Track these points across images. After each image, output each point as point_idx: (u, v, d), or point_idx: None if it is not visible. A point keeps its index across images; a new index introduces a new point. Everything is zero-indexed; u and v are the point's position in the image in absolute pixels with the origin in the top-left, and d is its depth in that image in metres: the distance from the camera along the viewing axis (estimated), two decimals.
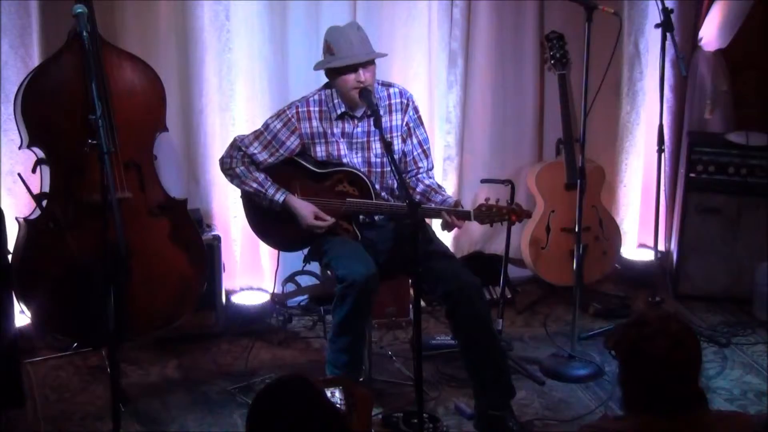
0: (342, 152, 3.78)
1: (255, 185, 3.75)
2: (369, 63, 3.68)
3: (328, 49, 3.69)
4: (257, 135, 3.79)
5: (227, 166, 3.80)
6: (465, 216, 3.61)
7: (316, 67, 3.77)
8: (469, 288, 3.59)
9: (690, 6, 4.91)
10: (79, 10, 3.28)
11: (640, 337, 2.32)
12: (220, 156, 3.86)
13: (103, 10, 3.94)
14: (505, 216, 3.62)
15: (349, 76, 3.65)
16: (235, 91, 4.43)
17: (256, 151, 3.76)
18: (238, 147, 3.78)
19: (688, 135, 4.89)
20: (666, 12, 4.20)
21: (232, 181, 3.83)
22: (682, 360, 2.31)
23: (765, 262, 4.62)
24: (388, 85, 3.85)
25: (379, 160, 3.81)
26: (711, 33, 4.86)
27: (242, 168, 3.77)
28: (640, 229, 5.13)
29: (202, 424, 3.74)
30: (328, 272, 3.92)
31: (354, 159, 3.79)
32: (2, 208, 3.69)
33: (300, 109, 3.77)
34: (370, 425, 3.38)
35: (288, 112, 3.79)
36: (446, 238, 4.54)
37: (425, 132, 3.91)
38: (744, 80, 5.04)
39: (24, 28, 4.06)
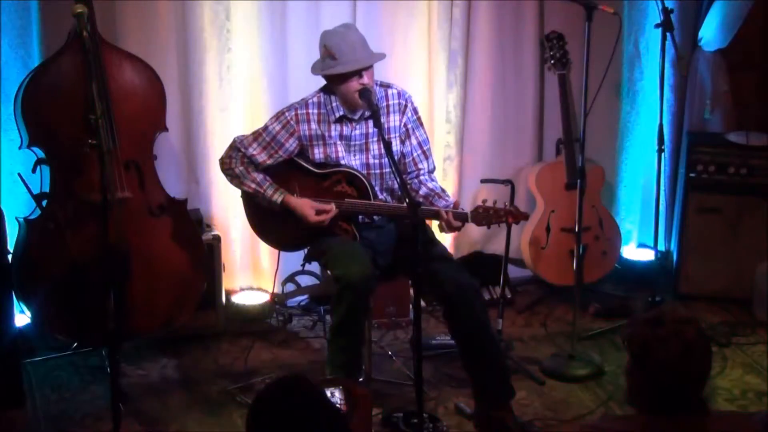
0: (340, 154, 3.76)
1: (254, 185, 3.75)
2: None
3: (329, 54, 3.64)
4: (256, 136, 3.78)
5: (226, 166, 3.80)
6: (462, 217, 3.61)
7: (316, 72, 3.73)
8: (467, 290, 3.58)
9: (690, 6, 4.91)
10: (79, 10, 3.28)
11: (653, 337, 2.28)
12: (220, 156, 3.85)
13: (103, 10, 3.94)
14: (503, 218, 3.61)
15: (352, 81, 3.63)
16: (235, 91, 4.44)
17: (255, 152, 3.75)
18: (237, 148, 3.78)
19: (688, 135, 4.89)
20: (666, 12, 4.20)
21: (231, 181, 3.83)
22: (690, 369, 2.28)
23: (765, 262, 4.63)
24: (386, 86, 3.82)
25: (377, 161, 3.79)
26: (711, 33, 4.86)
27: (241, 168, 3.76)
28: (640, 229, 5.14)
29: (202, 424, 3.74)
30: (328, 272, 3.92)
31: (352, 161, 3.78)
32: (2, 208, 3.69)
33: (299, 112, 3.76)
34: (370, 425, 3.38)
35: (287, 114, 3.77)
36: (446, 237, 4.55)
37: (425, 133, 3.89)
38: (744, 80, 5.04)
39: (24, 28, 4.06)
